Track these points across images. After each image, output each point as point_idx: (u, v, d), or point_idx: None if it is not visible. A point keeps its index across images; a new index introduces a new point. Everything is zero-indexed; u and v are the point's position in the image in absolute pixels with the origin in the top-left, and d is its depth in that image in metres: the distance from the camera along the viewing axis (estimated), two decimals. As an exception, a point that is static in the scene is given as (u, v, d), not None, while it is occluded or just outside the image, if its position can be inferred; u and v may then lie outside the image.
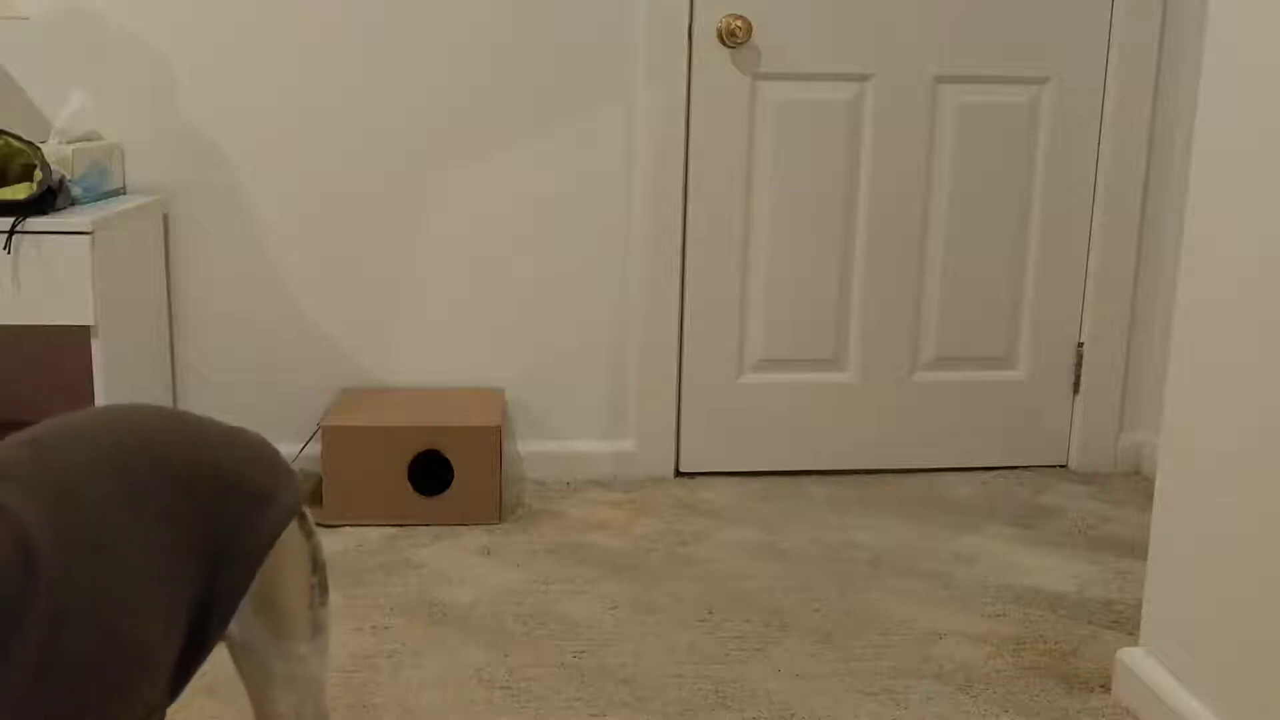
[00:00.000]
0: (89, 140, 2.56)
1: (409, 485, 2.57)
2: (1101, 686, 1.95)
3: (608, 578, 2.34)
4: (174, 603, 0.97)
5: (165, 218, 2.73)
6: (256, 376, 2.81)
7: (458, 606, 2.20)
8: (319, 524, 2.55)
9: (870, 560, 2.45)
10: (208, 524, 1.02)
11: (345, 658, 2.00)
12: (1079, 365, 3.00)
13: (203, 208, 2.74)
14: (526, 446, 2.89)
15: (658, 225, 2.80)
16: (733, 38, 2.72)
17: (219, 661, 1.20)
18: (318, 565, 1.17)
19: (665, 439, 2.90)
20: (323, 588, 1.17)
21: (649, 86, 2.74)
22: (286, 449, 2.79)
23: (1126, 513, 2.75)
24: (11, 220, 2.25)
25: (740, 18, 2.71)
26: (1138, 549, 2.51)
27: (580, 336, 2.86)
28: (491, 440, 2.57)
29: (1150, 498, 2.31)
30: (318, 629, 1.17)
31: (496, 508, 2.60)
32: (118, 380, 2.41)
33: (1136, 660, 1.88)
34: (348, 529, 2.55)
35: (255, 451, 1.13)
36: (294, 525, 1.14)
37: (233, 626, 1.09)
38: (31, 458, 0.95)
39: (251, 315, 2.79)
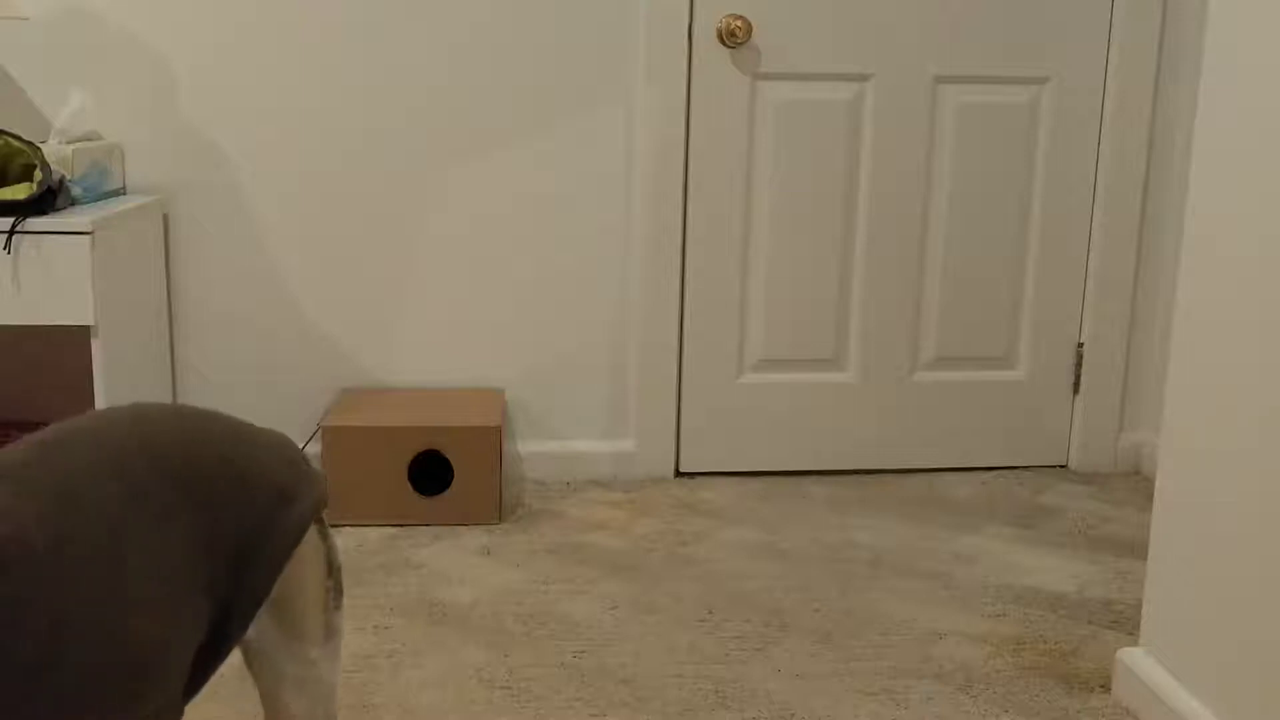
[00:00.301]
0: (89, 140, 2.56)
1: (409, 485, 2.57)
2: (1101, 686, 1.95)
3: (608, 578, 2.34)
4: (183, 603, 0.97)
5: (165, 218, 2.73)
6: (256, 376, 2.81)
7: (458, 606, 2.20)
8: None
9: (870, 560, 2.45)
10: (221, 523, 1.01)
11: (345, 658, 2.00)
12: (1079, 365, 3.00)
13: (203, 208, 2.74)
14: (526, 446, 2.89)
15: (658, 225, 2.80)
16: (733, 38, 2.72)
17: (226, 664, 1.20)
18: (333, 568, 1.16)
19: (665, 439, 2.90)
20: (337, 591, 1.16)
21: (649, 86, 2.74)
22: (286, 449, 2.79)
23: (1126, 513, 2.75)
24: (11, 220, 2.26)
25: (740, 18, 2.71)
26: (1138, 549, 2.51)
27: (580, 336, 2.86)
28: (491, 440, 2.56)
29: (1150, 498, 2.31)
30: (331, 633, 1.16)
31: (496, 508, 2.60)
32: (118, 380, 2.41)
33: (1136, 660, 1.88)
34: (348, 529, 2.55)
35: (275, 449, 1.11)
36: (312, 527, 1.13)
37: (249, 628, 1.09)
38: (33, 459, 0.95)
39: (251, 315, 2.79)
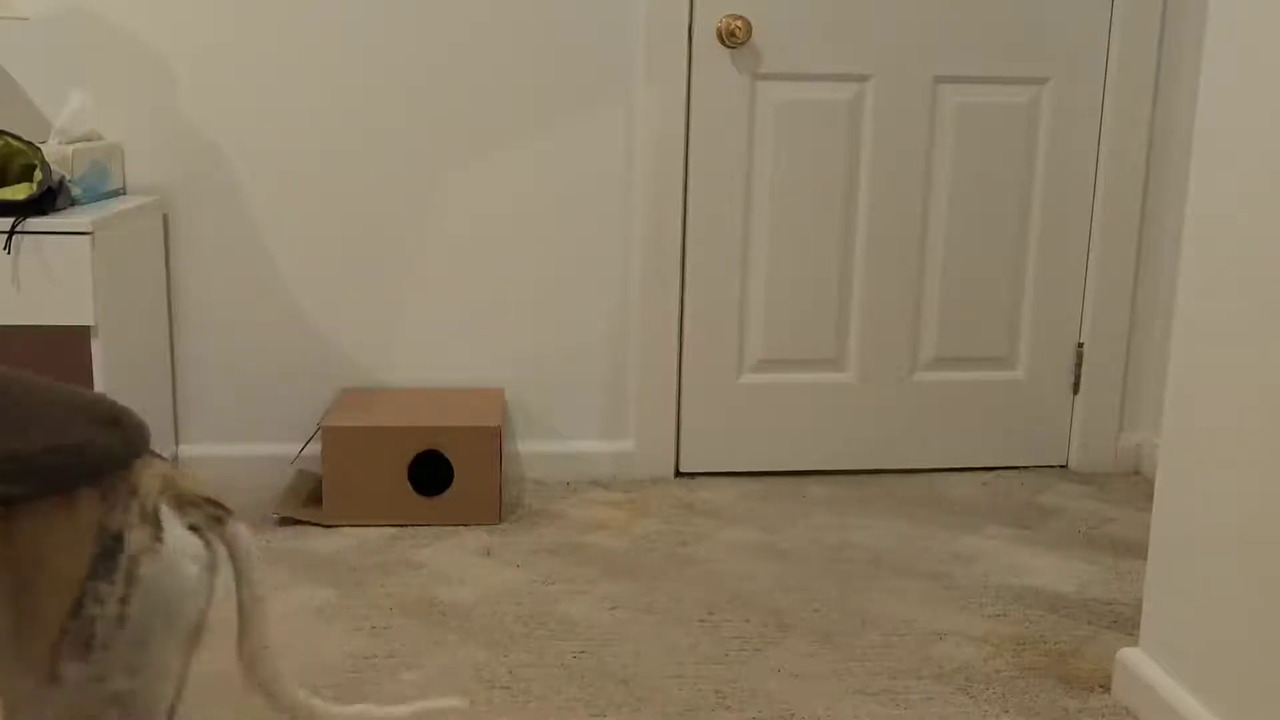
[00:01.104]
0: (89, 140, 2.56)
1: (409, 485, 2.57)
2: (1101, 686, 1.95)
3: (608, 578, 2.34)
4: None
5: (165, 218, 2.73)
6: (256, 376, 2.81)
7: (458, 606, 2.20)
8: (318, 524, 2.55)
9: (870, 560, 2.45)
10: None
11: (345, 658, 2.00)
12: (1079, 365, 3.00)
13: (203, 208, 2.74)
14: (526, 446, 2.89)
15: (658, 225, 2.80)
16: (733, 38, 2.72)
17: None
18: (82, 611, 1.00)
19: (665, 439, 2.90)
20: (80, 642, 1.00)
21: (649, 86, 2.74)
22: (286, 449, 2.80)
23: (1126, 513, 2.75)
24: (11, 220, 2.26)
25: (740, 18, 2.71)
26: (1138, 549, 2.51)
27: (580, 336, 2.86)
28: (491, 440, 2.56)
29: (1150, 498, 2.30)
30: (55, 678, 0.99)
31: (496, 508, 2.60)
32: (118, 380, 2.41)
33: (1136, 660, 1.88)
34: (348, 529, 2.55)
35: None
36: (86, 552, 1.01)
37: None
38: None
39: (251, 315, 2.79)
